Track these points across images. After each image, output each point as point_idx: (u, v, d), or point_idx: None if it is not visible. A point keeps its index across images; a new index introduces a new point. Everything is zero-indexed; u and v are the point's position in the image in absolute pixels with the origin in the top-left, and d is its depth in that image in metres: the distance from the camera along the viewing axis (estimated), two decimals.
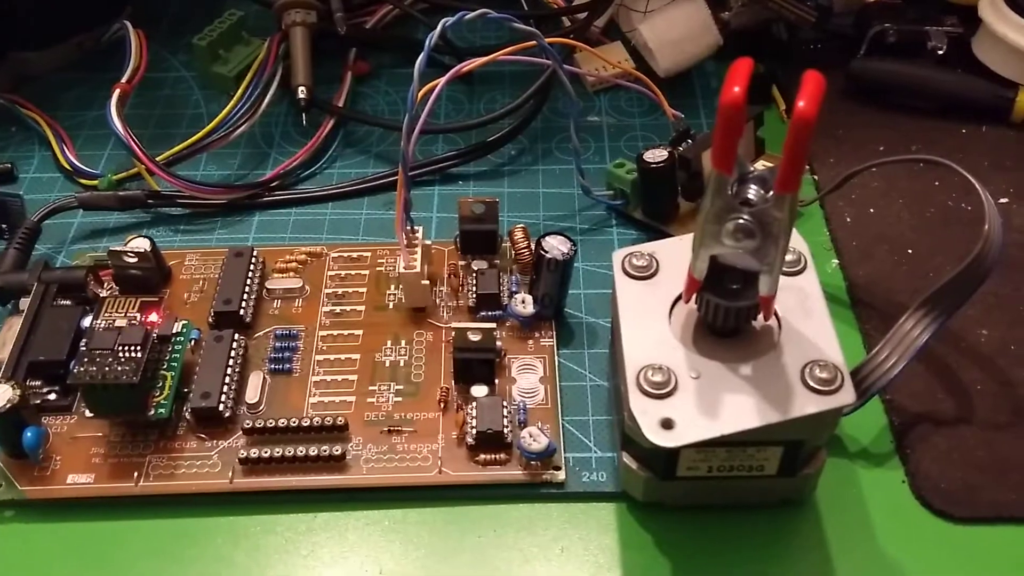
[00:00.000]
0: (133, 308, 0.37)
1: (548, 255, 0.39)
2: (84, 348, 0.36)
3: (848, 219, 0.47)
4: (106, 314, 0.37)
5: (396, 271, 0.43)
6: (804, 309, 0.33)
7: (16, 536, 0.36)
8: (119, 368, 0.35)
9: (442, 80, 0.39)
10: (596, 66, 0.53)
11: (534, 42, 0.41)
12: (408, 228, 0.41)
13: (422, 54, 0.38)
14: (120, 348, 0.35)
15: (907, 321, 0.36)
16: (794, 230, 0.34)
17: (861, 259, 0.45)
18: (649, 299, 0.34)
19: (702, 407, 0.31)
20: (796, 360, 0.32)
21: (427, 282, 0.41)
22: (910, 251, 0.45)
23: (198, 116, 0.54)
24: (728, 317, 0.32)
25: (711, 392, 0.31)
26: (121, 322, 0.37)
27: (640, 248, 0.35)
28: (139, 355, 0.35)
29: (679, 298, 0.34)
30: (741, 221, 0.29)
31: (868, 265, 0.44)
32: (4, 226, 0.46)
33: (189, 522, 0.36)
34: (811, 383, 0.31)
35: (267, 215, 0.48)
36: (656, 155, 0.43)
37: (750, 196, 0.30)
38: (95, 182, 0.49)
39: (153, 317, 0.37)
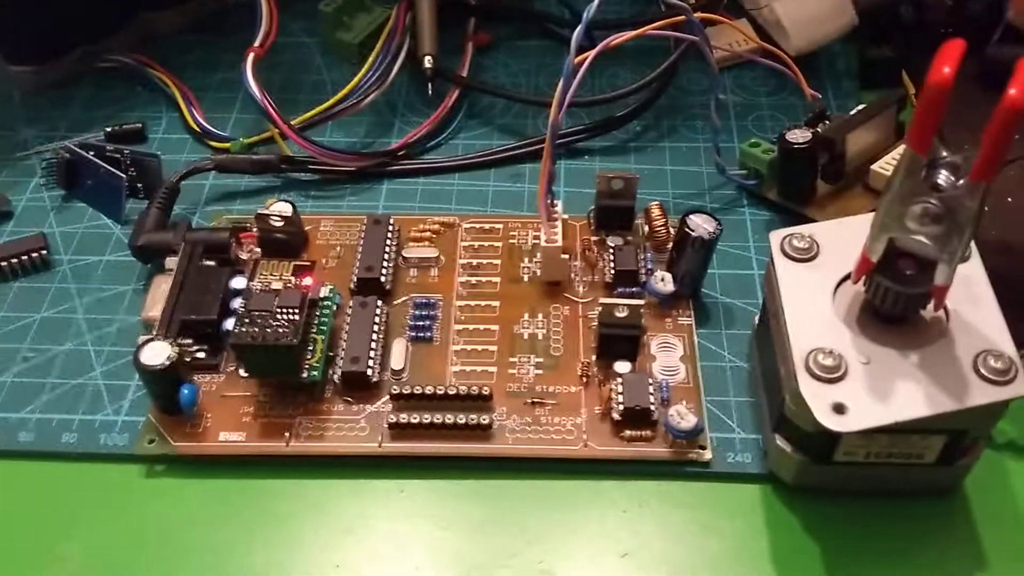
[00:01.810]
0: (287, 271, 0.37)
1: (694, 233, 0.39)
2: (243, 309, 0.36)
3: (985, 208, 0.46)
4: (261, 276, 0.37)
5: (529, 243, 0.43)
6: (971, 297, 0.33)
7: (168, 490, 0.36)
8: (279, 330, 0.35)
9: (592, 53, 0.39)
10: (729, 41, 0.53)
11: (682, 16, 0.41)
12: (549, 201, 0.41)
13: (579, 26, 0.38)
14: (279, 310, 0.36)
15: None
16: None
17: (999, 250, 0.44)
18: (811, 282, 0.34)
19: (874, 393, 0.31)
20: (967, 349, 0.31)
21: (567, 256, 0.41)
22: None
23: (320, 83, 0.54)
24: (898, 303, 0.32)
25: (882, 378, 0.31)
26: (276, 285, 0.37)
27: (800, 230, 0.35)
28: (297, 318, 0.36)
29: (841, 282, 0.34)
30: (929, 206, 0.29)
31: (1008, 256, 0.43)
32: (140, 185, 0.46)
33: (337, 483, 0.36)
34: (985, 373, 0.31)
35: (395, 183, 0.48)
36: (799, 136, 0.43)
37: (940, 181, 0.29)
38: (225, 145, 0.49)
39: (307, 281, 0.37)
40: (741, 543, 0.35)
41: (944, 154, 0.29)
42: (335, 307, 0.40)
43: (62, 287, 0.43)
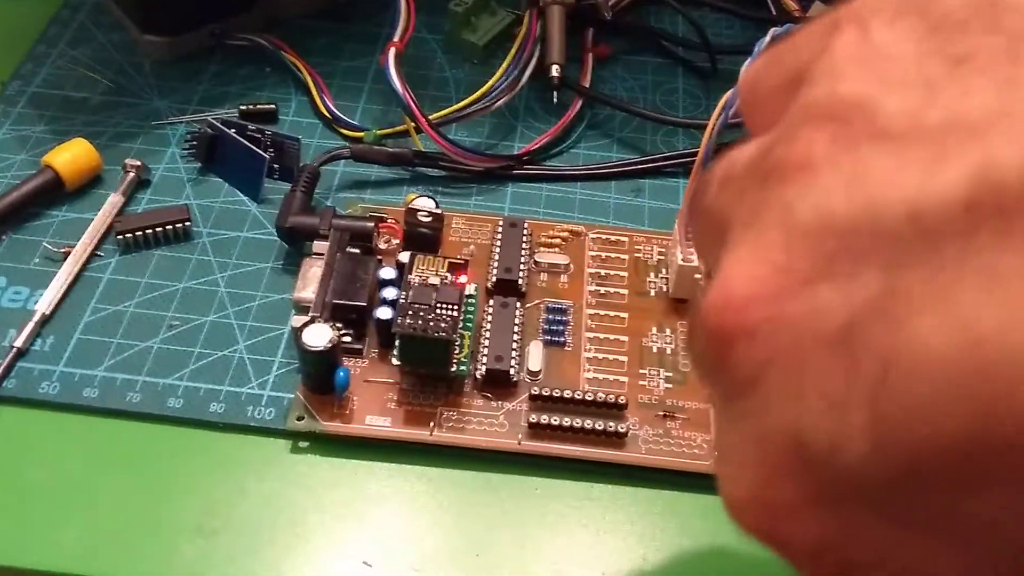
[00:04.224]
0: (442, 267, 0.39)
1: None
2: (404, 301, 0.37)
3: None
4: (419, 270, 0.39)
5: (655, 258, 0.45)
6: None
7: (313, 466, 0.38)
8: (440, 324, 0.37)
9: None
10: None
11: None
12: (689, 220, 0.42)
13: (750, 58, 0.39)
14: (438, 305, 0.37)
15: None
16: None
17: None
18: None
19: None
20: None
21: (700, 277, 0.43)
22: None
23: (443, 80, 0.55)
24: None
25: None
26: (433, 280, 0.38)
27: None
28: (455, 313, 0.37)
29: None
30: None
31: None
32: (276, 166, 0.48)
33: (475, 475, 0.38)
34: None
35: (520, 187, 0.50)
36: None
37: None
38: (357, 134, 0.50)
39: (463, 279, 0.39)
40: None
41: None
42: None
43: (203, 259, 0.44)
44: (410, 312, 0.37)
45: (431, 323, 0.36)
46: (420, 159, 0.49)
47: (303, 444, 0.38)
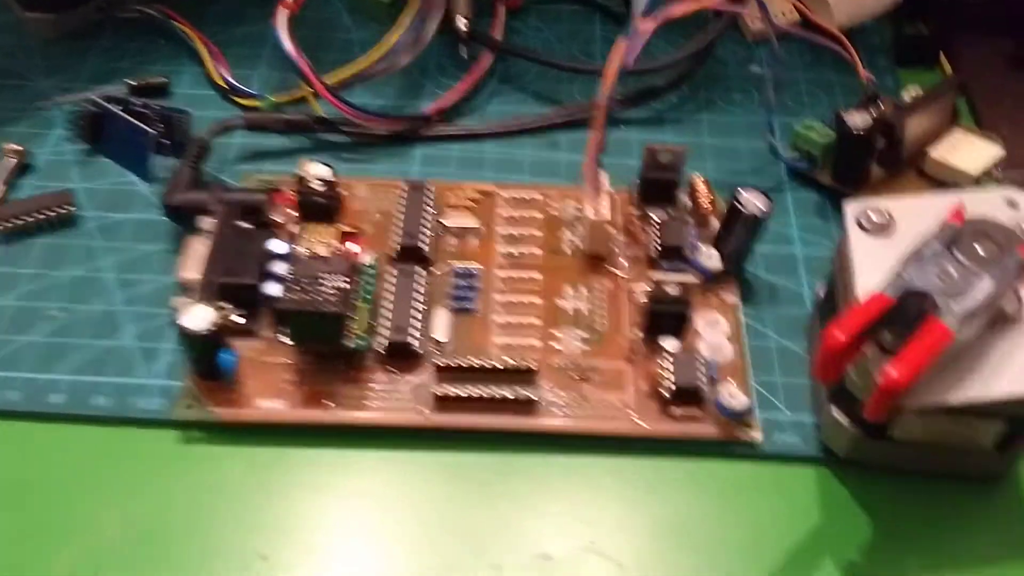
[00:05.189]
0: (332, 237, 0.36)
1: (745, 210, 0.39)
2: (290, 274, 0.35)
3: None
4: (305, 241, 0.36)
5: (570, 215, 0.42)
6: None
7: (205, 457, 0.36)
8: (327, 297, 0.34)
9: (659, 20, 0.38)
10: (774, 13, 0.52)
11: None
12: (598, 172, 0.40)
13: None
14: (326, 276, 0.35)
15: None
16: None
17: None
18: (885, 256, 0.33)
19: (938, 371, 0.30)
20: None
21: (613, 230, 0.40)
22: None
23: (347, 42, 0.53)
24: None
25: (948, 357, 0.30)
26: (322, 250, 0.36)
27: (877, 203, 0.34)
28: (345, 285, 0.35)
29: None
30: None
31: None
32: (168, 142, 0.45)
33: (380, 454, 0.36)
34: None
35: (429, 148, 0.47)
36: (859, 120, 0.42)
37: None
38: (253, 102, 0.48)
39: (355, 248, 0.36)
40: (791, 523, 0.34)
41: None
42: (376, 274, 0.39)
43: (89, 244, 0.42)
44: (295, 286, 0.34)
45: (317, 297, 0.34)
46: (320, 125, 0.46)
47: (196, 434, 0.36)
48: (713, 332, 0.39)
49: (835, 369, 0.29)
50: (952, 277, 0.29)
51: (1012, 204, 0.34)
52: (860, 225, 0.34)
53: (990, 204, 0.34)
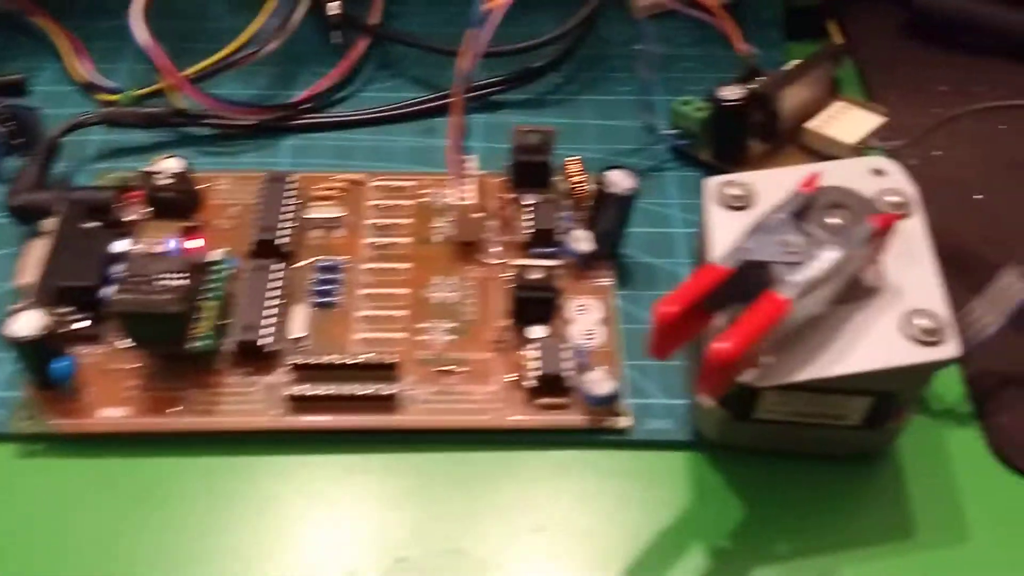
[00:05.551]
0: (172, 233, 0.35)
1: (611, 190, 0.37)
2: (124, 274, 0.33)
3: (912, 162, 0.44)
4: (144, 238, 0.34)
5: (443, 202, 0.41)
6: (908, 255, 0.31)
7: (47, 471, 0.34)
8: (163, 296, 0.32)
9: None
10: None
11: None
12: (461, 157, 0.38)
13: None
14: (163, 275, 0.33)
15: (1006, 277, 0.34)
16: (902, 171, 0.33)
17: (926, 204, 0.42)
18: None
19: (794, 348, 0.29)
20: (897, 307, 0.30)
21: (481, 215, 0.39)
22: (979, 196, 0.43)
23: (218, 31, 0.50)
24: None
25: (804, 333, 0.29)
26: (160, 248, 0.34)
27: (736, 177, 0.33)
28: (183, 283, 0.33)
29: None
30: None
31: (933, 210, 0.42)
32: (20, 140, 0.43)
33: (232, 460, 0.34)
34: (913, 333, 0.29)
35: (300, 139, 0.45)
36: (732, 92, 0.40)
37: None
38: (115, 97, 0.46)
39: (195, 243, 0.34)
40: (661, 511, 0.33)
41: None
42: (234, 271, 0.37)
43: None
44: (128, 286, 0.32)
45: (151, 296, 0.32)
46: (180, 118, 0.44)
47: (37, 447, 0.34)
48: (586, 317, 0.37)
49: (668, 344, 0.28)
50: (794, 247, 0.28)
51: (878, 172, 0.33)
52: (718, 200, 0.33)
53: (855, 173, 0.33)
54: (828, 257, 0.28)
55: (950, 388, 0.36)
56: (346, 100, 0.47)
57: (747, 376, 0.28)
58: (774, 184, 0.33)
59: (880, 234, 0.29)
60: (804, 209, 0.30)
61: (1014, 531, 0.32)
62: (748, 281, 0.27)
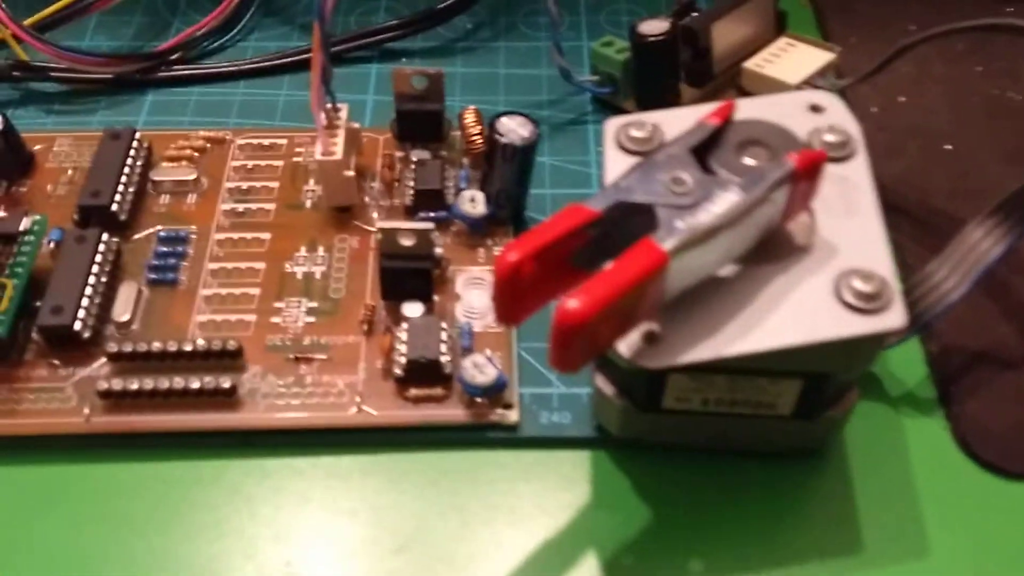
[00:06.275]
0: None
1: (504, 140, 0.31)
2: None
3: (874, 109, 0.38)
4: None
5: (314, 160, 0.35)
6: (847, 204, 0.25)
7: None
8: None
9: None
10: None
11: None
12: (328, 105, 0.32)
13: None
14: None
15: (972, 233, 0.28)
16: (844, 106, 0.27)
17: (890, 155, 0.37)
18: None
19: (700, 319, 0.23)
20: (830, 268, 0.24)
21: (351, 173, 0.33)
22: (948, 147, 0.37)
23: None
24: None
25: (715, 300, 0.23)
26: None
27: (642, 117, 0.27)
28: None
29: None
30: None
31: (898, 162, 0.36)
32: None
33: (37, 470, 0.28)
34: (848, 298, 0.23)
35: (163, 94, 0.39)
36: (654, 27, 0.34)
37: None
38: None
39: None
40: (558, 519, 0.27)
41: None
42: (51, 243, 0.31)
43: None
44: None
45: None
46: (24, 71, 0.38)
47: None
48: (476, 293, 0.31)
49: (518, 308, 0.22)
50: (687, 189, 0.22)
51: (816, 109, 0.27)
52: (620, 144, 0.27)
53: (789, 108, 0.27)
54: (726, 199, 0.21)
55: (910, 369, 0.30)
56: (225, 51, 0.41)
57: (626, 351, 0.22)
58: (684, 124, 0.26)
59: (802, 176, 0.23)
60: (710, 145, 0.24)
61: (981, 537, 0.26)
62: (632, 230, 0.21)
